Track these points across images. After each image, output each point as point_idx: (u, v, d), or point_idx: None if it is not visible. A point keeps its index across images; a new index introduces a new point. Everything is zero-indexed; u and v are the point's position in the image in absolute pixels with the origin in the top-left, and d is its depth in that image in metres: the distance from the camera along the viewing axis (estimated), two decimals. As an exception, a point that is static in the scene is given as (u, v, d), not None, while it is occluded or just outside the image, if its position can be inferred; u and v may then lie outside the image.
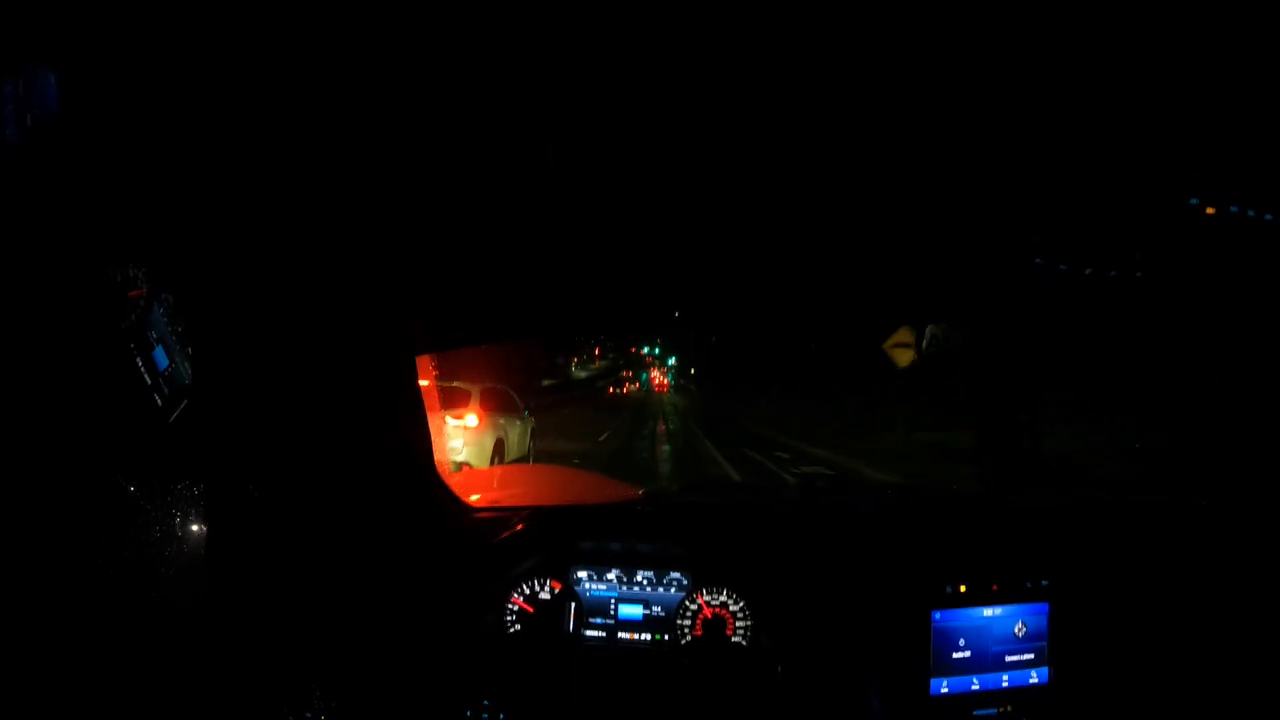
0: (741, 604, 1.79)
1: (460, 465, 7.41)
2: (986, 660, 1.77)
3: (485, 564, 1.78)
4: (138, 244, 1.42)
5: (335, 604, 1.61)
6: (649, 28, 1.43)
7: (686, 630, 1.78)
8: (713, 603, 1.79)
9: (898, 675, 1.71)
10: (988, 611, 1.78)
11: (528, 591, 1.79)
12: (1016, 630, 1.80)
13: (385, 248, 1.61)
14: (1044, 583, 1.82)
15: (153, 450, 1.38)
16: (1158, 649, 1.79)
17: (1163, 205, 1.80)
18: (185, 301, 1.45)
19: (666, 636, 1.79)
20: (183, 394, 1.43)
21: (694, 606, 1.79)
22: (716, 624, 1.77)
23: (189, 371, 1.45)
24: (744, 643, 1.77)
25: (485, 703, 1.62)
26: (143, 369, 1.40)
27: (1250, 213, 1.74)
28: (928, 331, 2.15)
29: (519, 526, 1.83)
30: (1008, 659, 1.78)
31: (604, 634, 1.79)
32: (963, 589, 1.77)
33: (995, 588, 1.79)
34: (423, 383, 1.86)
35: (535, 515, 1.88)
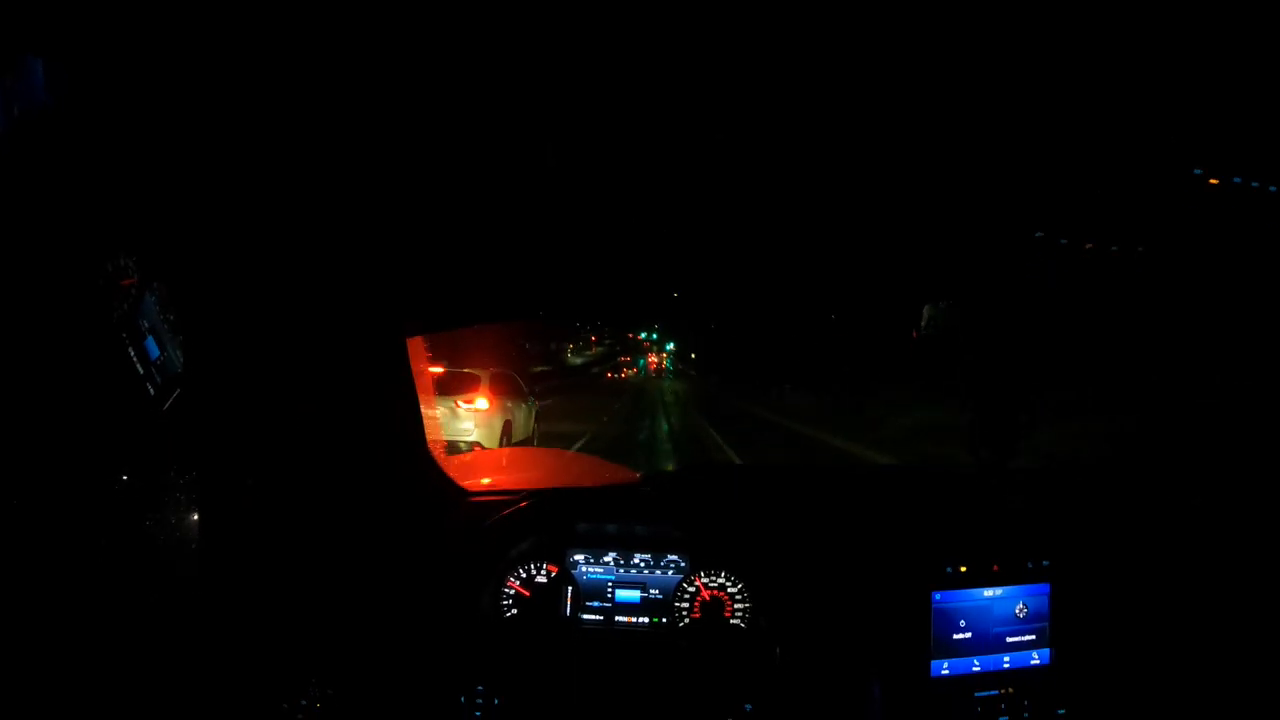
0: (740, 586, 1.78)
1: (472, 445, 7.56)
2: (987, 641, 1.76)
3: (481, 548, 1.78)
4: (128, 233, 1.42)
5: (331, 590, 1.61)
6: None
7: (684, 613, 1.78)
8: (711, 585, 1.79)
9: (898, 657, 1.70)
10: (988, 592, 1.77)
11: (524, 575, 1.79)
12: (1018, 611, 1.78)
13: (374, 230, 1.60)
14: (1045, 563, 1.80)
15: (145, 440, 1.39)
16: (1159, 630, 1.78)
17: (1165, 177, 1.77)
18: (176, 290, 1.45)
19: (664, 619, 1.78)
20: (175, 383, 1.43)
21: (692, 589, 1.79)
22: (714, 606, 1.77)
23: (181, 360, 1.45)
24: (742, 625, 1.76)
25: (480, 688, 1.63)
26: (134, 359, 1.40)
27: (1254, 184, 1.71)
28: (926, 312, 2.13)
29: (514, 510, 1.83)
30: (1009, 640, 1.77)
31: (601, 617, 1.79)
32: (963, 570, 1.76)
33: (996, 568, 1.78)
34: (427, 368, 1.87)
35: (531, 499, 1.87)
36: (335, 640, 1.61)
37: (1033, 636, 1.79)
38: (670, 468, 9.26)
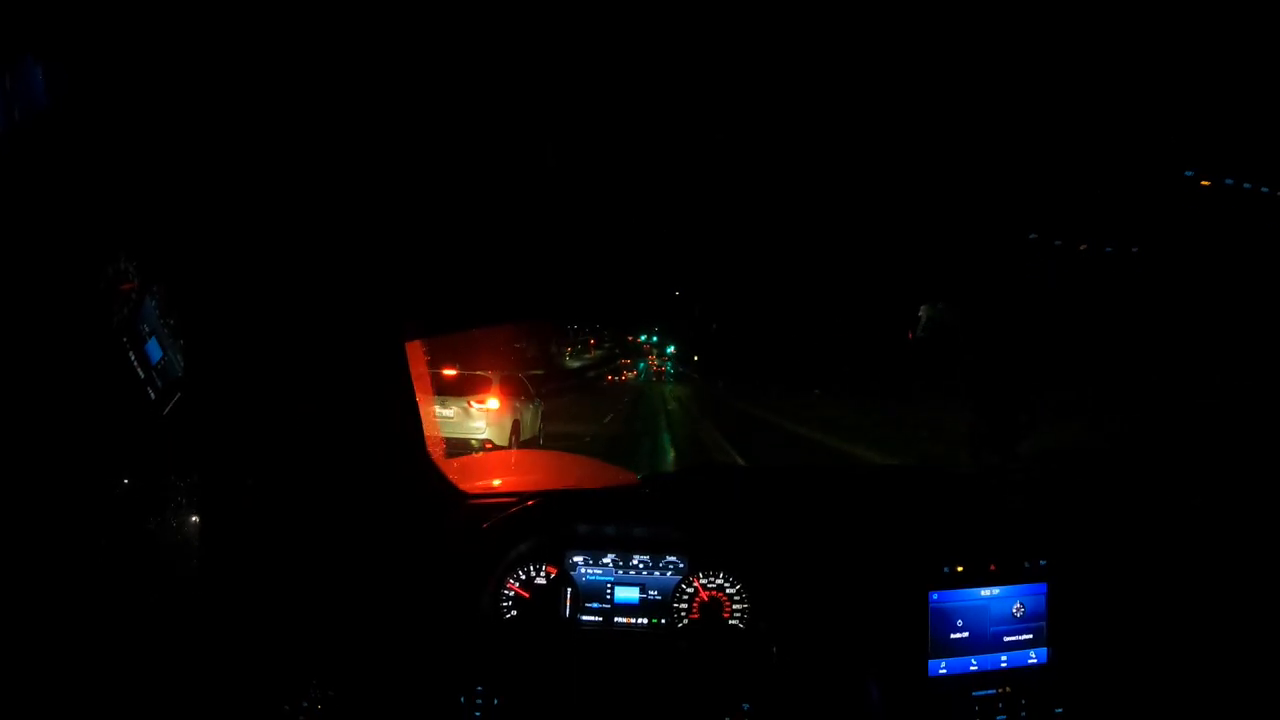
0: (738, 587, 1.79)
1: (483, 442, 8.74)
2: (985, 641, 1.76)
3: (480, 550, 1.78)
4: (128, 237, 1.42)
5: (331, 592, 1.61)
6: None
7: (683, 614, 1.79)
8: (709, 586, 1.79)
9: (895, 657, 1.71)
10: (986, 592, 1.78)
11: (523, 577, 1.79)
12: (1015, 611, 1.79)
13: (373, 233, 1.61)
14: (1042, 563, 1.81)
15: (146, 443, 1.39)
16: (1157, 629, 1.78)
17: (1158, 178, 1.78)
18: (176, 294, 1.46)
19: (663, 620, 1.79)
20: (176, 387, 1.44)
21: (690, 590, 1.79)
22: (713, 607, 1.77)
23: (182, 364, 1.46)
24: (741, 626, 1.77)
25: (480, 688, 1.63)
26: (135, 363, 1.41)
27: (1246, 185, 1.72)
28: (924, 312, 2.14)
29: (513, 512, 1.84)
30: (1006, 640, 1.78)
31: (600, 618, 1.80)
32: (960, 569, 1.77)
33: (993, 568, 1.79)
34: (427, 371, 1.87)
35: (530, 500, 1.88)
36: (336, 641, 1.61)
37: (1030, 636, 1.79)
38: (669, 469, 9.27)
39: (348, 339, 1.66)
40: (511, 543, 1.80)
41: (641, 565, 1.82)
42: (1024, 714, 1.72)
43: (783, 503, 1.98)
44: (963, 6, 1.45)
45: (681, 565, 1.81)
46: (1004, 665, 1.76)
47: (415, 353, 1.77)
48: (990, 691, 1.73)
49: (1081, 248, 1.91)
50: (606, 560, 1.82)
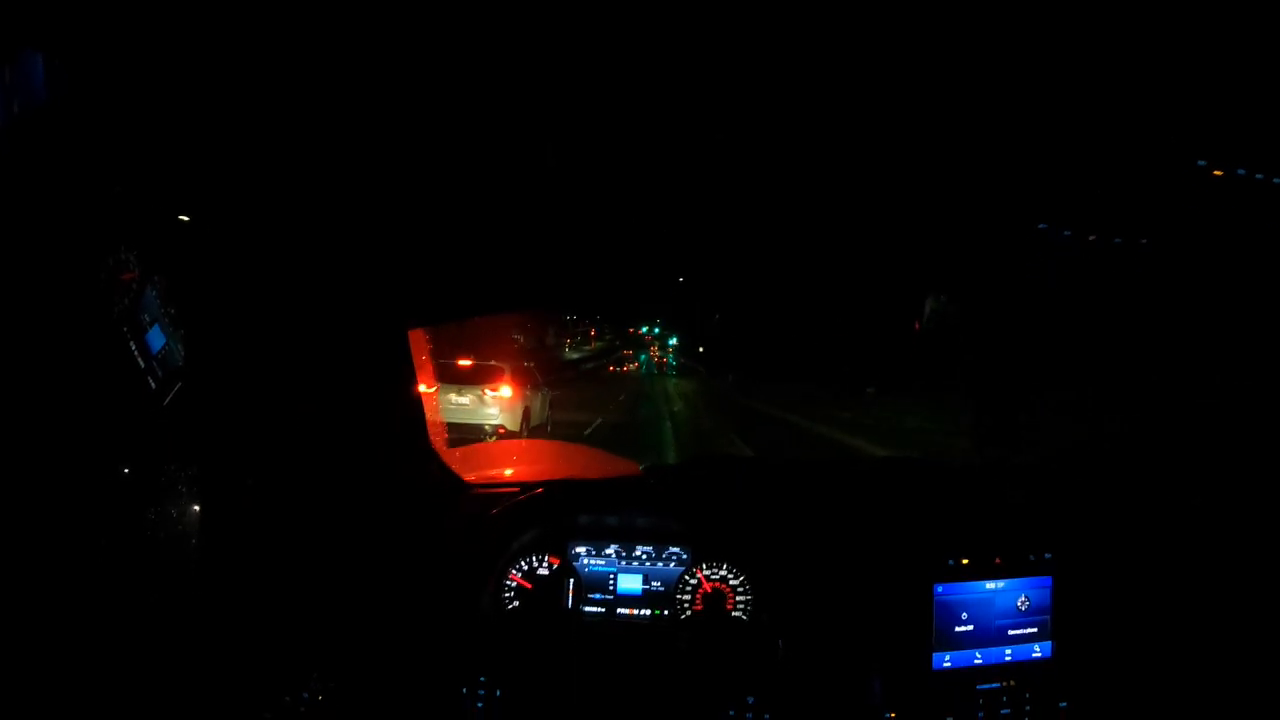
0: (742, 578, 1.78)
1: (496, 428, 9.20)
2: (989, 634, 1.76)
3: (482, 540, 1.78)
4: (128, 228, 1.42)
5: (332, 583, 1.61)
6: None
7: (686, 605, 1.78)
8: (712, 577, 1.79)
9: (900, 649, 1.70)
10: (990, 585, 1.77)
11: (526, 568, 1.79)
12: (1019, 604, 1.78)
13: (374, 221, 1.60)
14: (1047, 556, 1.80)
15: (147, 433, 1.39)
16: (1161, 623, 1.78)
17: (1169, 168, 1.76)
18: (177, 284, 1.45)
19: (666, 612, 1.78)
20: (176, 377, 1.43)
21: (694, 581, 1.79)
22: (716, 599, 1.77)
23: (182, 353, 1.45)
24: (744, 617, 1.77)
25: (482, 679, 1.63)
26: (136, 353, 1.41)
27: (1259, 176, 1.70)
28: (928, 305, 2.12)
29: (516, 502, 1.83)
30: (1011, 633, 1.77)
31: (603, 609, 1.79)
32: (965, 562, 1.76)
33: (998, 561, 1.78)
34: (429, 361, 1.87)
35: (532, 491, 1.87)
36: (336, 633, 1.61)
37: (1034, 629, 1.79)
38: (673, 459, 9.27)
39: (349, 328, 1.65)
40: (514, 533, 1.80)
41: (644, 556, 1.81)
42: (1028, 707, 1.72)
43: (787, 494, 1.97)
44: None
45: (684, 556, 1.81)
46: (1008, 658, 1.76)
47: (417, 341, 1.76)
48: (994, 685, 1.72)
49: (1091, 238, 1.88)
50: (609, 551, 1.82)
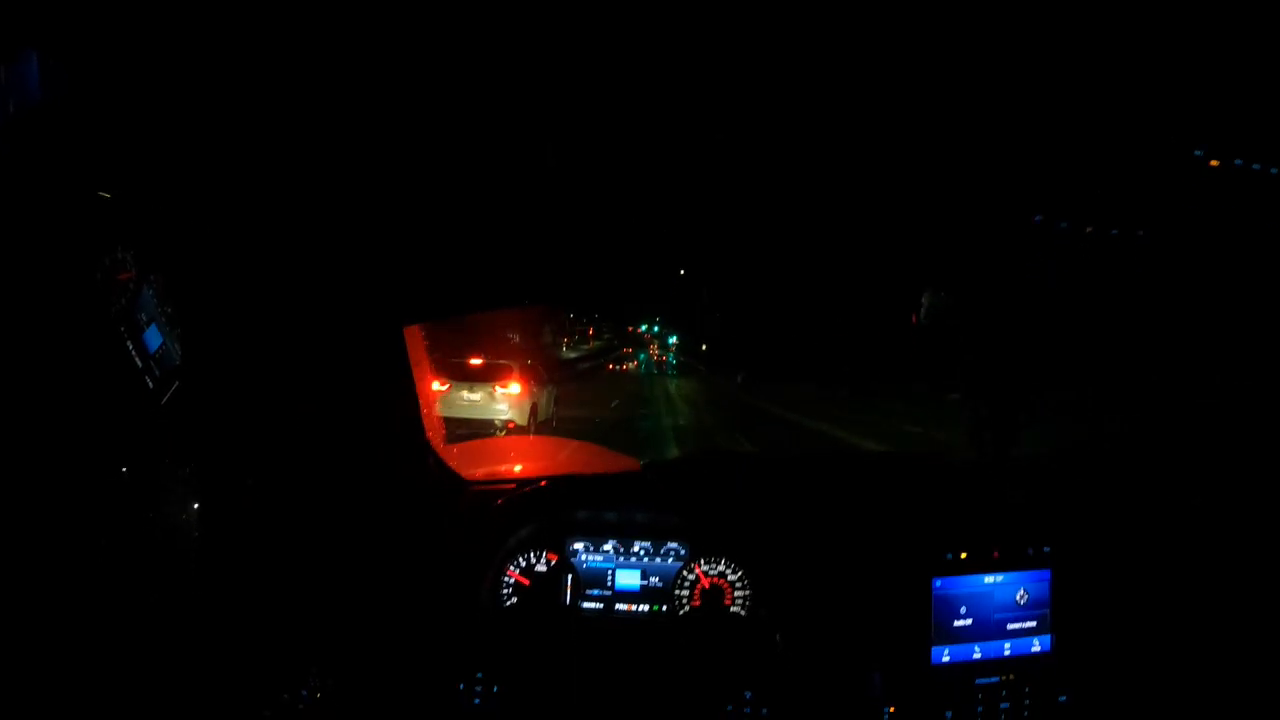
0: (740, 574, 1.78)
1: (506, 423, 9.82)
2: (988, 628, 1.75)
3: (480, 536, 1.78)
4: (125, 227, 1.42)
5: (330, 580, 1.61)
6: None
7: (684, 601, 1.78)
8: (711, 573, 1.79)
9: (899, 644, 1.70)
10: (989, 579, 1.77)
11: (524, 564, 1.79)
12: (1018, 598, 1.78)
13: (370, 218, 1.60)
14: (1046, 550, 1.80)
15: (144, 432, 1.40)
16: (1160, 617, 1.77)
17: (1166, 158, 1.75)
18: (173, 283, 1.46)
19: (664, 607, 1.78)
20: (174, 376, 1.44)
21: (692, 577, 1.79)
22: (714, 594, 1.77)
23: (179, 352, 1.46)
24: (742, 613, 1.77)
25: (480, 675, 1.63)
26: (133, 352, 1.41)
27: (1255, 166, 1.69)
28: (925, 299, 2.11)
29: (514, 498, 1.83)
30: (1010, 627, 1.77)
31: (601, 605, 1.79)
32: (964, 556, 1.76)
33: (996, 555, 1.78)
34: (425, 357, 1.87)
35: (530, 486, 1.88)
36: (335, 630, 1.61)
37: (1034, 623, 1.78)
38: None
39: (345, 325, 1.65)
40: (512, 529, 1.80)
41: (643, 551, 1.81)
42: (1027, 701, 1.71)
43: (785, 489, 1.97)
44: None
45: (683, 552, 1.81)
46: (1007, 652, 1.75)
47: (414, 338, 1.77)
48: (993, 679, 1.72)
49: (1087, 230, 1.88)
50: (607, 547, 1.82)
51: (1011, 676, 1.73)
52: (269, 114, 1.42)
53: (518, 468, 2.29)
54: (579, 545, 1.82)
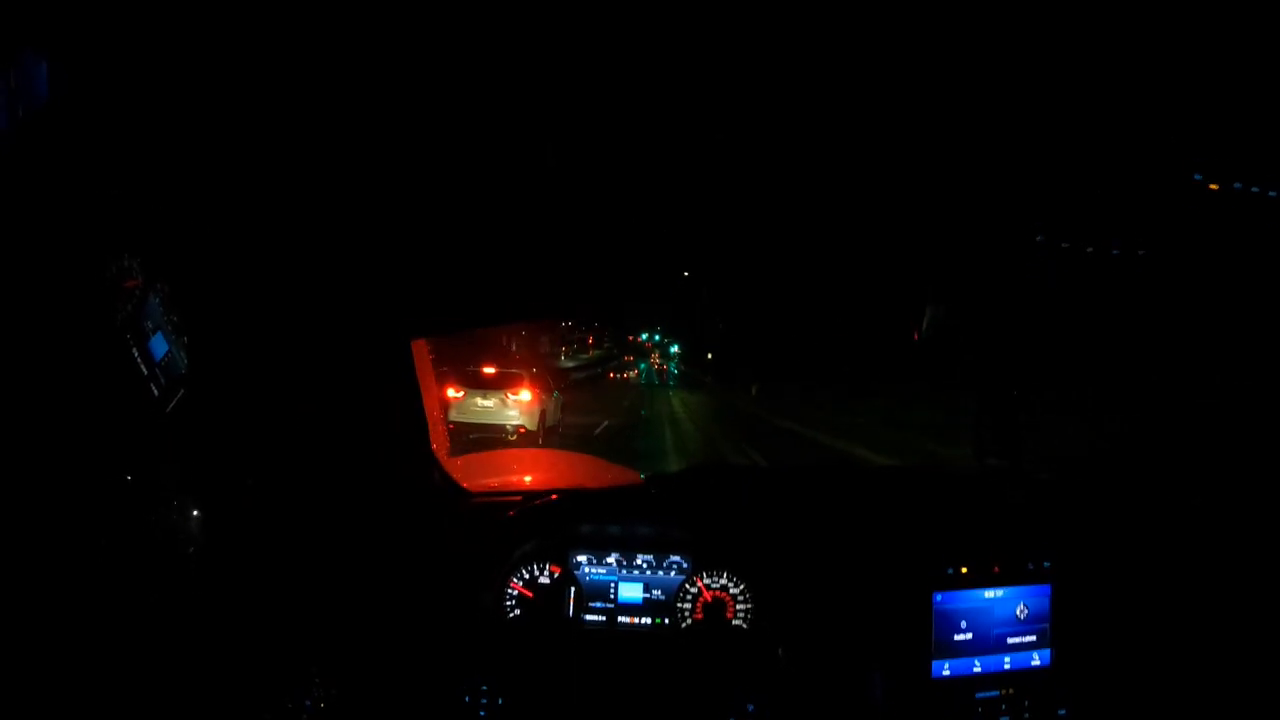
0: (742, 587, 1.79)
1: (517, 428, 10.47)
2: (988, 642, 1.76)
3: (484, 549, 1.78)
4: (132, 234, 1.42)
5: (334, 590, 1.61)
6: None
7: (687, 614, 1.79)
8: (713, 586, 1.79)
9: (899, 658, 1.70)
10: (989, 593, 1.78)
11: (527, 576, 1.79)
12: (1018, 612, 1.79)
13: (378, 231, 1.60)
14: (1046, 564, 1.81)
15: (149, 440, 1.39)
16: (1160, 631, 1.78)
17: (1165, 181, 1.78)
18: (180, 291, 1.45)
19: (666, 620, 1.79)
20: (179, 383, 1.43)
21: (694, 590, 1.79)
22: (717, 607, 1.77)
23: (185, 361, 1.45)
24: (744, 626, 1.77)
25: (484, 688, 1.63)
26: (139, 359, 1.41)
27: (1255, 189, 1.72)
28: (927, 313, 2.13)
29: (517, 511, 1.83)
30: (1010, 641, 1.78)
31: (604, 618, 1.79)
32: (964, 570, 1.77)
33: (997, 569, 1.79)
34: (431, 369, 1.87)
35: (534, 500, 1.88)
36: (339, 640, 1.61)
37: (1033, 638, 1.79)
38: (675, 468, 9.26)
39: (352, 336, 1.66)
40: (516, 542, 1.80)
41: (645, 565, 1.82)
42: (1027, 716, 1.72)
43: (787, 503, 1.98)
44: (973, 4, 1.45)
45: (685, 565, 1.81)
46: (1007, 667, 1.76)
47: (421, 351, 1.77)
48: (993, 693, 1.72)
49: (1088, 250, 1.90)
50: (610, 559, 1.82)
51: (1011, 691, 1.74)
52: (276, 122, 1.42)
53: (524, 479, 2.29)
54: (582, 558, 1.82)
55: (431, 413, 1.79)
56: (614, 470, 2.36)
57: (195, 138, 1.38)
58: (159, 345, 1.44)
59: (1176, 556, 1.86)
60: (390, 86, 1.43)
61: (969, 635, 1.75)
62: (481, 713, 1.63)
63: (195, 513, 1.42)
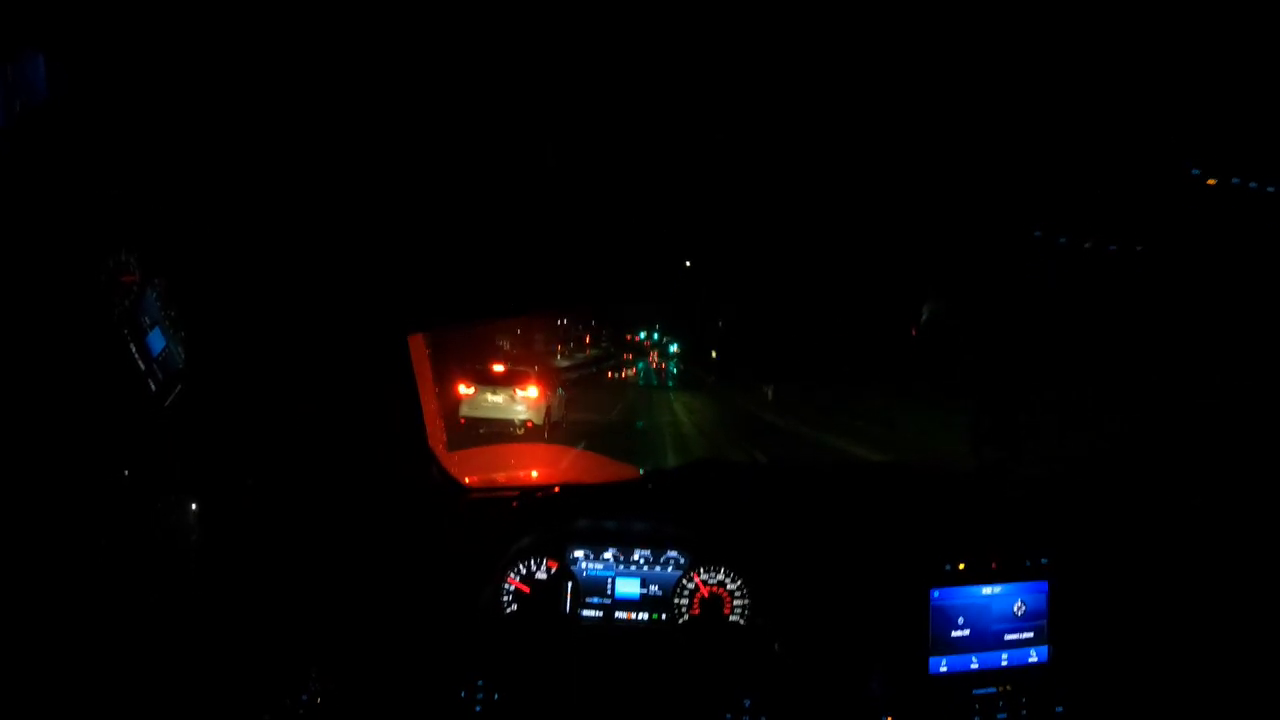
0: (739, 583, 1.79)
1: (524, 422, 10.95)
2: (986, 639, 1.76)
3: (481, 544, 1.78)
4: (129, 230, 1.42)
5: (331, 586, 1.61)
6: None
7: (684, 609, 1.79)
8: (710, 582, 1.79)
9: (896, 654, 1.70)
10: (987, 590, 1.77)
11: (524, 571, 1.79)
12: (1016, 609, 1.79)
13: (375, 225, 1.60)
14: (1043, 561, 1.81)
15: (147, 436, 1.39)
16: (1158, 628, 1.78)
17: (1163, 176, 1.78)
18: (177, 287, 1.46)
19: (664, 616, 1.79)
20: (176, 379, 1.43)
21: (691, 585, 1.79)
22: (714, 603, 1.77)
23: (183, 356, 1.46)
24: (741, 622, 1.77)
25: (480, 682, 1.63)
26: (136, 355, 1.41)
27: (1253, 184, 1.71)
28: (925, 310, 2.13)
29: (514, 506, 1.83)
30: (1007, 638, 1.78)
31: (601, 613, 1.79)
32: (962, 567, 1.77)
33: (994, 566, 1.79)
34: (428, 366, 1.87)
35: (531, 495, 1.88)
36: (336, 635, 1.61)
37: (1031, 634, 1.79)
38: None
39: (349, 332, 1.66)
40: (513, 537, 1.80)
41: (642, 560, 1.82)
42: (1024, 712, 1.72)
43: (784, 499, 1.98)
44: (973, 2, 1.45)
45: (682, 560, 1.81)
46: (1005, 663, 1.76)
47: (418, 347, 1.77)
48: (991, 690, 1.72)
49: (1085, 245, 1.90)
50: (607, 555, 1.82)
51: (1008, 687, 1.74)
52: (274, 118, 1.42)
53: (515, 476, 2.29)
54: (579, 553, 1.82)
55: (429, 408, 1.79)
56: (613, 466, 2.36)
57: (192, 134, 1.38)
58: (156, 340, 1.44)
59: (1174, 554, 1.85)
60: (384, 82, 1.43)
61: (966, 632, 1.75)
62: (478, 708, 1.63)
63: (193, 508, 1.42)
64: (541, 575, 1.79)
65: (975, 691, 1.72)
